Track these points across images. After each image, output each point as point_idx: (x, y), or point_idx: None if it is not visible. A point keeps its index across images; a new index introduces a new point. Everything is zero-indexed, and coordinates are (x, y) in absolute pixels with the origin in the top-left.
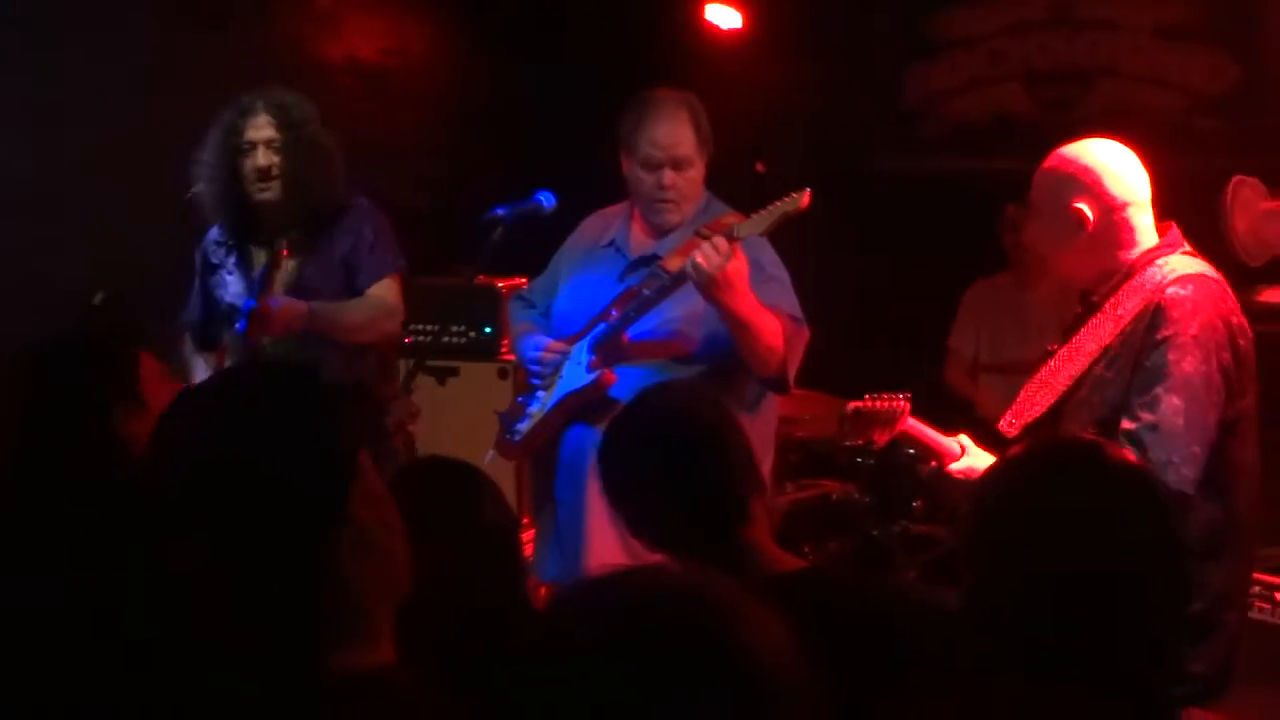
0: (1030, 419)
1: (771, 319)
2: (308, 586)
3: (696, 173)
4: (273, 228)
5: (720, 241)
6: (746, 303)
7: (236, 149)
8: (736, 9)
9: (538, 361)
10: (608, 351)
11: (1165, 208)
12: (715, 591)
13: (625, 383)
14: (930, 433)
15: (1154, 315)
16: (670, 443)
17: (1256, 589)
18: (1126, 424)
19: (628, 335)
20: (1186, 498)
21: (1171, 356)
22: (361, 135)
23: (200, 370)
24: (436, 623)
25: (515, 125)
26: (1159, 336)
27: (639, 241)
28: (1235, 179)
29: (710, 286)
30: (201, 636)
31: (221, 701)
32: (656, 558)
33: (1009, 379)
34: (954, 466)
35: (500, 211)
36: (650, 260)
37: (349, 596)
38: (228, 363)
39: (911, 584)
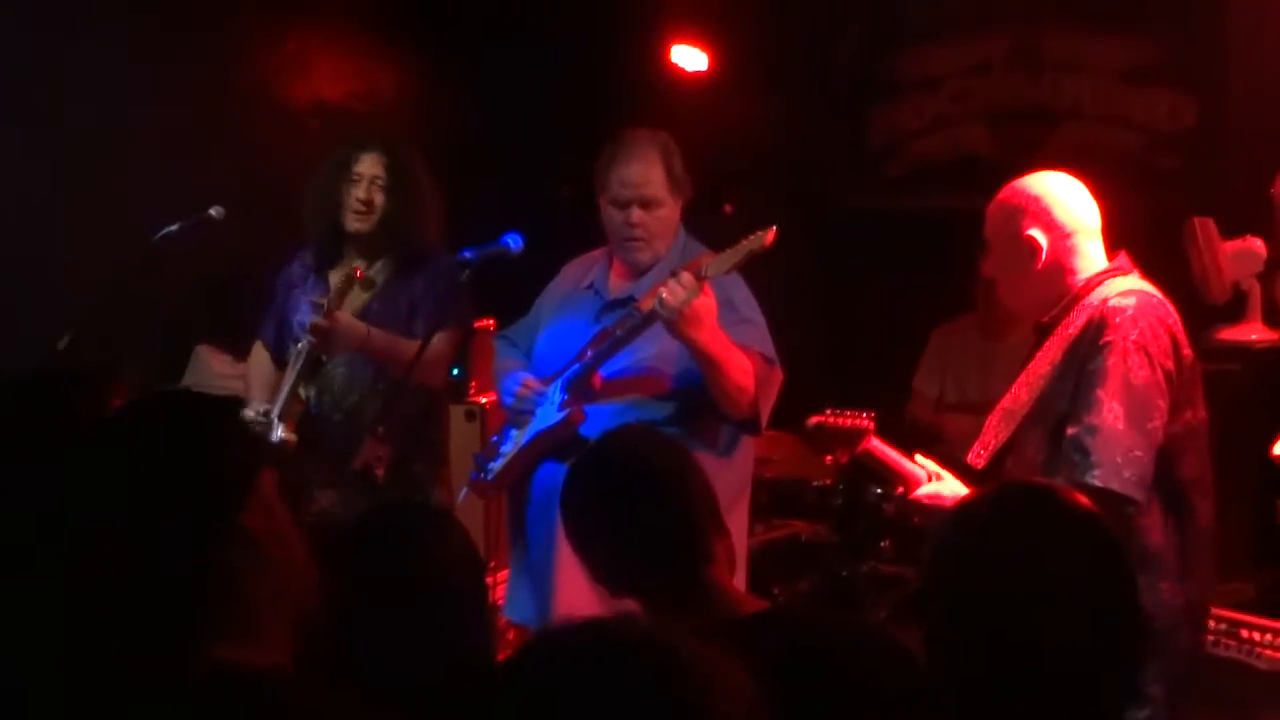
0: (997, 447)
1: (742, 358)
2: (193, 582)
3: (667, 212)
4: (354, 258)
5: (686, 277)
6: (715, 340)
7: (344, 179)
8: (702, 50)
9: (513, 395)
10: (581, 390)
11: (1128, 245)
12: (678, 645)
13: (596, 421)
14: (895, 455)
15: (1097, 325)
16: (629, 486)
17: (1222, 626)
18: (1070, 430)
19: (601, 374)
20: (1134, 505)
21: (1111, 361)
22: None
23: (259, 385)
24: (397, 661)
25: (482, 167)
26: (1100, 343)
27: (616, 284)
28: (1195, 219)
29: (678, 322)
30: (80, 622)
31: (97, 686)
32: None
33: (975, 418)
34: (920, 492)
35: (467, 254)
36: (627, 302)
37: (237, 598)
38: (289, 377)
39: (876, 624)
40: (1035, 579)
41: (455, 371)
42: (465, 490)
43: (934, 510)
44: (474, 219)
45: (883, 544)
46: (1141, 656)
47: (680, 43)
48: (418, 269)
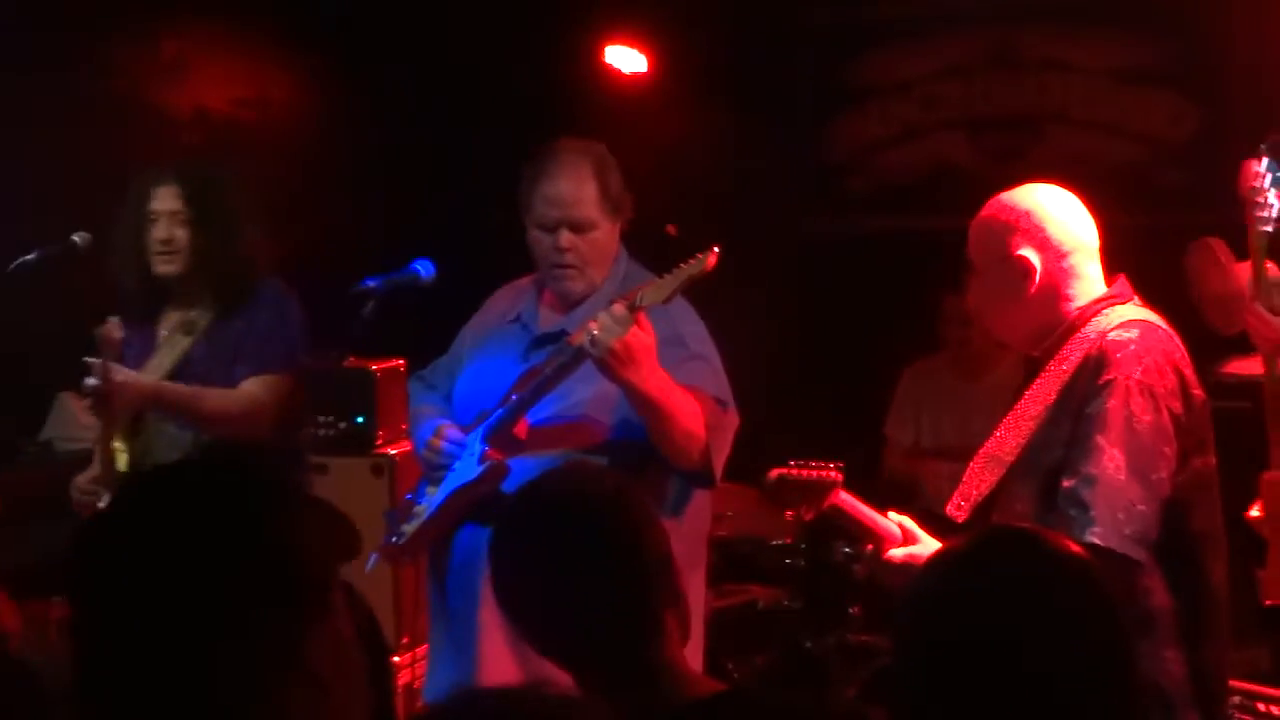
0: (979, 498)
1: (689, 400)
2: None
3: (602, 235)
4: (177, 303)
5: (618, 309)
6: (655, 381)
7: (144, 219)
8: (640, 50)
9: (428, 447)
10: (504, 440)
11: (1124, 268)
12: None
13: (522, 476)
14: (866, 511)
15: (1096, 361)
16: (566, 538)
17: (1237, 698)
18: (1066, 482)
19: (527, 421)
20: (1136, 565)
21: (1112, 403)
22: None
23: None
24: None
25: (390, 184)
26: (1099, 382)
27: (547, 317)
28: (1205, 240)
29: (610, 361)
30: None
31: None
32: (556, 673)
33: (955, 465)
34: (894, 553)
35: (371, 283)
36: (558, 337)
37: None
38: (103, 440)
39: (847, 704)
40: (1019, 628)
41: (360, 420)
42: (375, 557)
43: (907, 574)
44: (379, 242)
45: (851, 611)
46: (1134, 704)
47: (616, 42)
48: (241, 307)
